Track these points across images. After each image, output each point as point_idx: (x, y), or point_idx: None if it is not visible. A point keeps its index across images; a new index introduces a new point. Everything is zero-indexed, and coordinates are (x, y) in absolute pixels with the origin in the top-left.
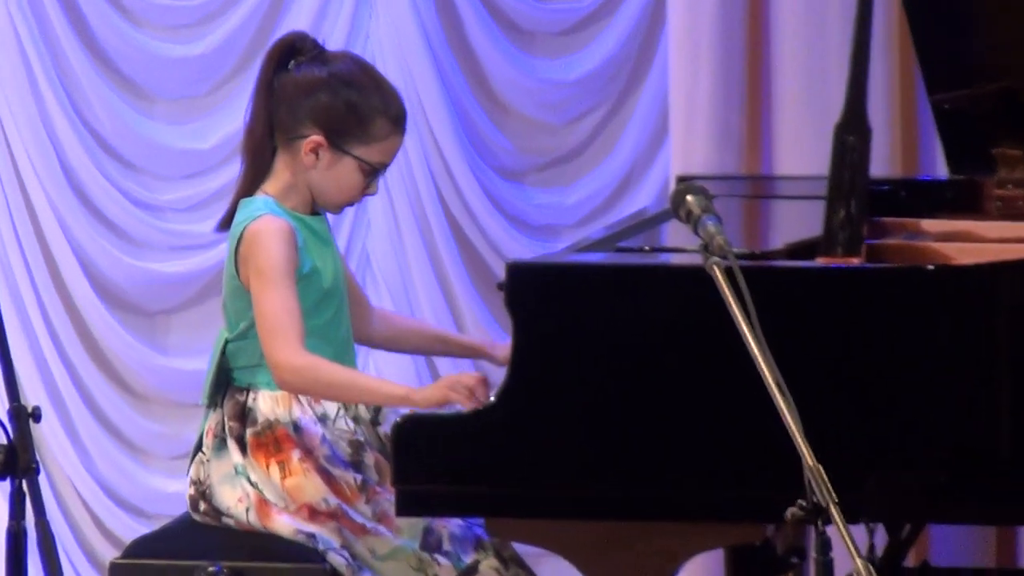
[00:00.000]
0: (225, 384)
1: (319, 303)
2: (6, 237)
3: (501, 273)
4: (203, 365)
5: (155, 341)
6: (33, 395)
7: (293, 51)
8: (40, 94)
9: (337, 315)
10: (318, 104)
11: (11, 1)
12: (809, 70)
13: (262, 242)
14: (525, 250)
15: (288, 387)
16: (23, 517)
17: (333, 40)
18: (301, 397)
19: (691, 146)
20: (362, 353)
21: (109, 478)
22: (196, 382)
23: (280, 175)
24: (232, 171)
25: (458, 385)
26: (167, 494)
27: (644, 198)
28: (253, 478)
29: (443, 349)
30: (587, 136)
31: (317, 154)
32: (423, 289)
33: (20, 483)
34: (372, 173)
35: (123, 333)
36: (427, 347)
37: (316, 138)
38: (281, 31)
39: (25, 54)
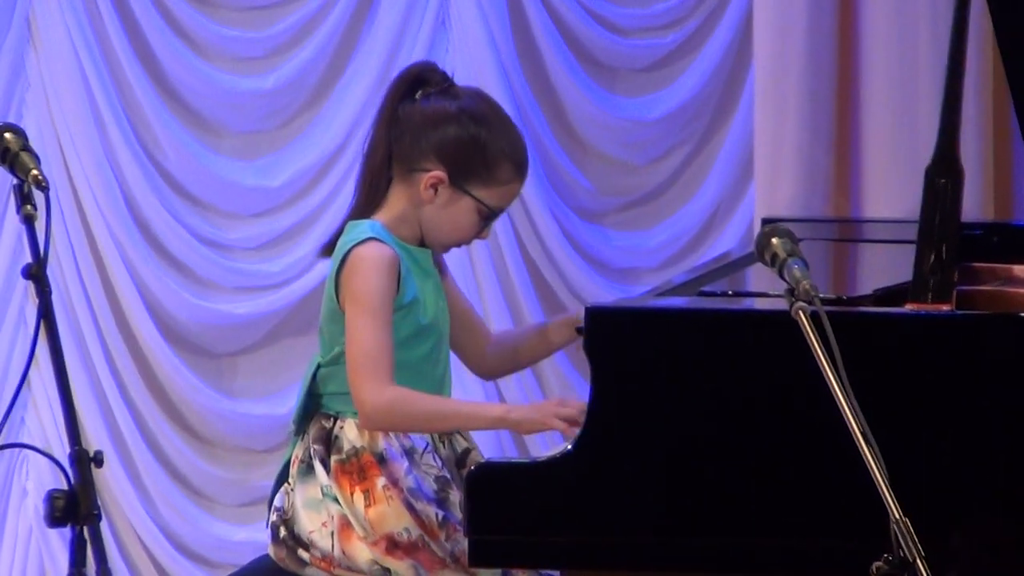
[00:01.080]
0: (314, 410)
1: (416, 336)
2: (68, 274)
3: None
4: (271, 410)
5: (222, 384)
6: (96, 439)
7: (420, 81)
8: (105, 128)
9: (435, 352)
10: (445, 138)
11: (76, 34)
12: (900, 108)
13: (364, 269)
14: (605, 293)
15: (375, 427)
16: (84, 565)
17: None
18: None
19: (777, 187)
20: None
21: (173, 526)
22: (264, 427)
23: (394, 205)
24: (302, 209)
25: (562, 411)
26: (233, 543)
27: (728, 241)
28: (339, 499)
29: (544, 344)
30: (669, 176)
31: (436, 190)
32: None
33: (81, 530)
34: (488, 217)
35: (189, 375)
36: (535, 349)
37: (439, 173)
38: (354, 65)
39: (90, 87)
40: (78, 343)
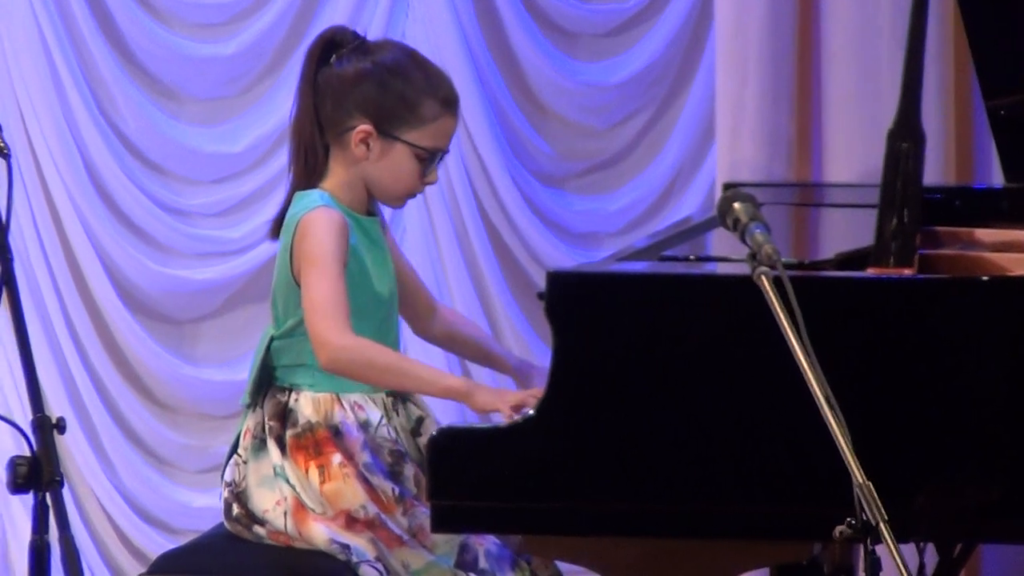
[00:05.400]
0: (267, 384)
1: (367, 306)
2: (29, 242)
3: (540, 282)
4: (232, 376)
5: (183, 351)
6: (57, 406)
7: (334, 45)
8: (65, 94)
9: (386, 323)
10: (364, 94)
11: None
12: (861, 72)
13: (315, 231)
14: (565, 258)
15: (335, 365)
16: (47, 531)
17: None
18: (344, 401)
19: (738, 151)
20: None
21: (134, 491)
22: (225, 393)
23: (335, 173)
24: (262, 175)
25: (513, 399)
26: (194, 508)
27: (689, 205)
28: (291, 480)
29: (486, 363)
30: (630, 141)
31: (368, 144)
32: (460, 298)
33: (44, 496)
34: (428, 159)
35: (150, 342)
36: (474, 357)
37: (365, 127)
38: (314, 31)
39: (50, 53)
40: (40, 310)
